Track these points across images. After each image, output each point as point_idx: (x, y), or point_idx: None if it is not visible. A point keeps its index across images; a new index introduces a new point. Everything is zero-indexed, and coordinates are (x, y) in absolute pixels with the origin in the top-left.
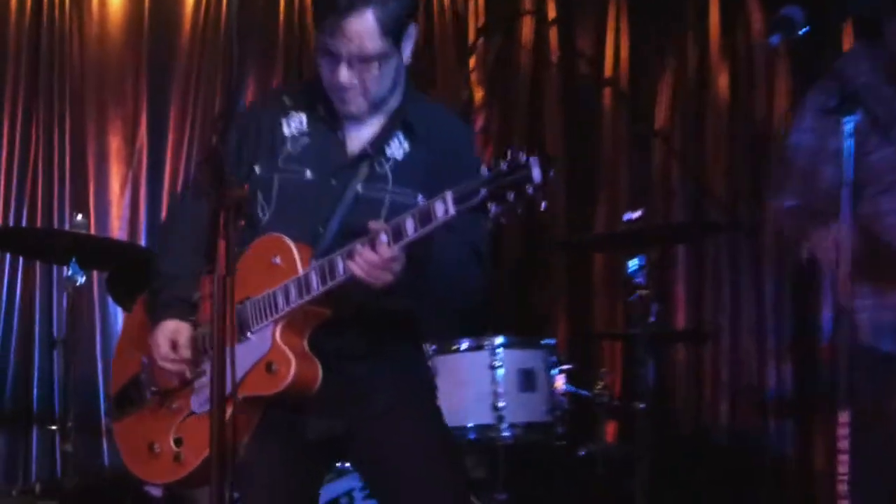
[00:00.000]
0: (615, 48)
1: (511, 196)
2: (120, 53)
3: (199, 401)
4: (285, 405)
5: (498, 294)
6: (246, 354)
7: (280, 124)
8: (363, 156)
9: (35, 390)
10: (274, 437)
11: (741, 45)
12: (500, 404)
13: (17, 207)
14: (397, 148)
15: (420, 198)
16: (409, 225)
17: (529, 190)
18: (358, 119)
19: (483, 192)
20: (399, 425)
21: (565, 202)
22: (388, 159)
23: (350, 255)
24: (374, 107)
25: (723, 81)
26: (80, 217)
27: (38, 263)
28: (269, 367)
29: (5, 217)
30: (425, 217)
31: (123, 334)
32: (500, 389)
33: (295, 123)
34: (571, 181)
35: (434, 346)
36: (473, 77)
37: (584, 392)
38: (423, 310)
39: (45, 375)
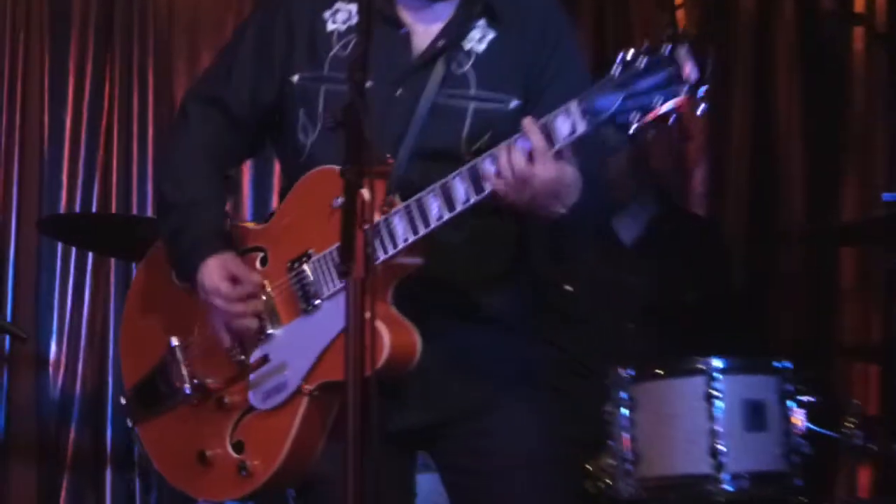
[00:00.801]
0: None
1: (658, 101)
2: None
3: (260, 393)
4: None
5: (716, 303)
6: (315, 331)
7: (322, 18)
8: (435, 53)
9: (109, 426)
10: None
11: None
12: (720, 447)
13: (86, 191)
14: (479, 39)
15: (514, 103)
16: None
17: (682, 91)
18: (423, 6)
19: (620, 98)
20: (502, 426)
21: (803, 181)
22: (468, 55)
23: (447, 192)
24: None
25: None
26: None
27: (112, 261)
28: None
29: (70, 203)
30: (546, 136)
31: (130, 311)
32: (720, 428)
33: (342, 17)
34: (810, 153)
35: (630, 370)
36: (680, 14)
37: (829, 432)
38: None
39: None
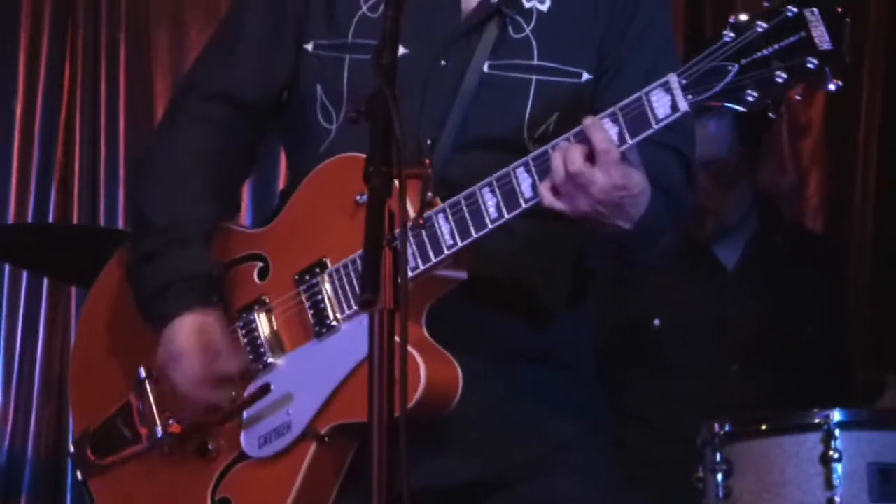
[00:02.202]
0: None
1: (781, 76)
2: None
3: (255, 437)
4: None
5: (836, 340)
6: (330, 359)
7: None
8: (488, 12)
9: (69, 495)
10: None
11: None
12: None
13: (40, 198)
14: None
15: (586, 77)
16: (609, 132)
17: (811, 63)
18: None
19: (734, 71)
20: (565, 483)
21: None
22: (528, 15)
23: (505, 186)
24: None
25: None
26: None
27: (72, 290)
28: None
29: (20, 213)
30: (637, 117)
31: (83, 336)
32: (840, 497)
33: None
34: None
35: (727, 426)
36: None
37: None
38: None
39: None
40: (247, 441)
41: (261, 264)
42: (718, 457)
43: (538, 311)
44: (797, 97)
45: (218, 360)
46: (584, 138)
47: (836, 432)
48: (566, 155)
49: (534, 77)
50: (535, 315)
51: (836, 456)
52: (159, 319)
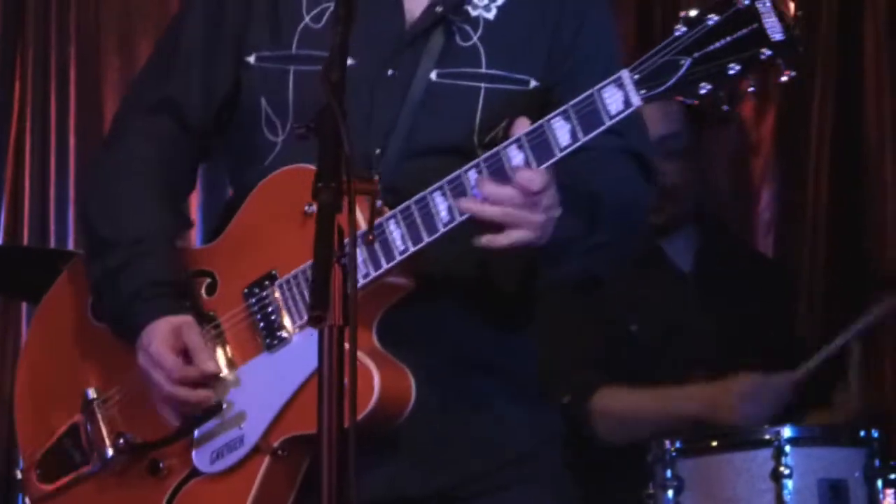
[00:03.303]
0: None
1: (734, 68)
2: None
3: (207, 453)
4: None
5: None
6: (281, 372)
7: None
8: (433, 20)
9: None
10: None
11: None
12: None
13: None
14: (486, 2)
15: (534, 83)
16: (560, 130)
17: (763, 54)
18: None
19: (686, 64)
20: (518, 498)
21: (894, 211)
22: (475, 23)
23: (457, 189)
24: None
25: None
26: None
27: (24, 306)
28: None
29: None
30: (589, 115)
31: (29, 357)
32: None
33: None
34: None
35: (678, 442)
36: None
37: None
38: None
39: None
40: (198, 457)
41: (208, 280)
42: (669, 473)
43: (489, 320)
44: (750, 88)
45: (198, 360)
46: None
47: (787, 448)
48: (490, 189)
49: (483, 85)
50: (487, 325)
51: (786, 472)
52: (133, 328)
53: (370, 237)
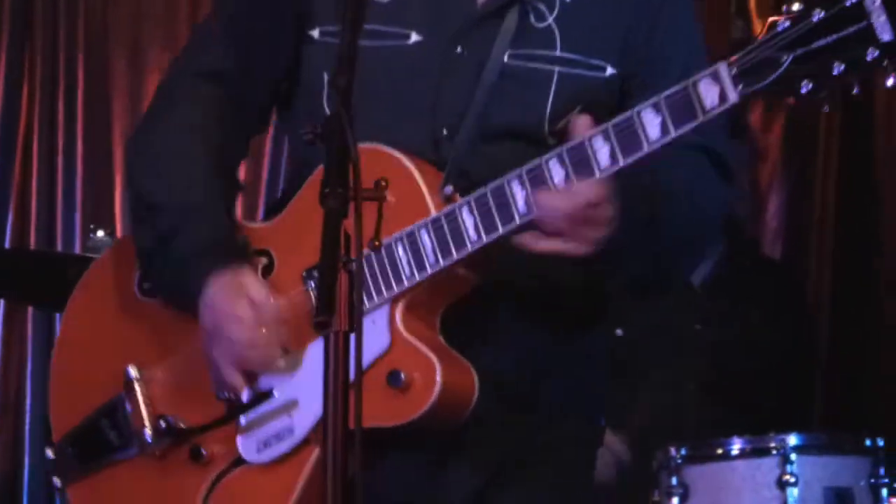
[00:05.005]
0: None
1: (837, 67)
2: None
3: (254, 441)
4: (413, 443)
5: (795, 366)
6: None
7: None
8: (505, 1)
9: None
10: None
11: None
12: None
13: None
14: None
15: (610, 71)
16: (650, 121)
17: (871, 54)
18: None
19: (787, 61)
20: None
21: None
22: (550, 3)
23: (536, 179)
24: None
25: None
26: (100, 234)
27: (30, 311)
28: (391, 377)
29: None
30: (683, 107)
31: (67, 335)
32: None
33: None
34: None
35: (683, 449)
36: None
37: None
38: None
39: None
40: (244, 445)
41: (265, 260)
42: (674, 480)
43: (558, 322)
44: (855, 90)
45: (267, 309)
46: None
47: (792, 456)
48: (546, 199)
49: (556, 69)
50: (555, 327)
51: (791, 480)
52: (192, 289)
53: (376, 243)
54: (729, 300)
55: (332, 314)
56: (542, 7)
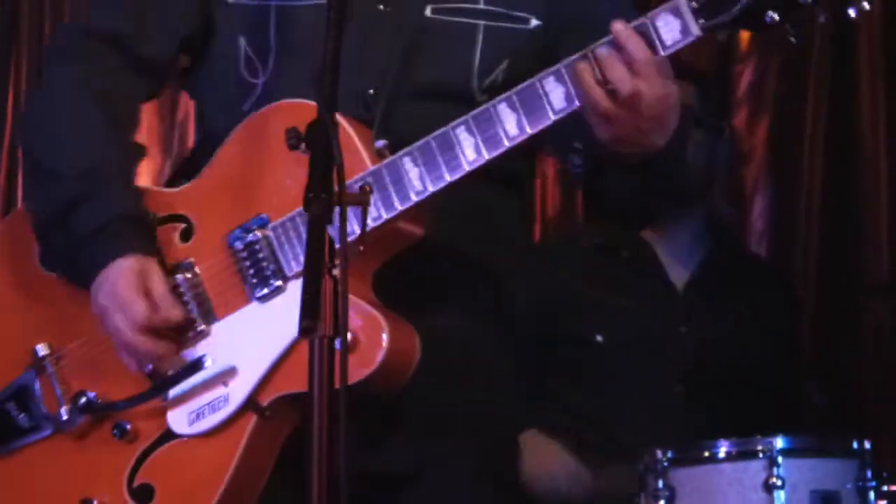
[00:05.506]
0: None
1: None
2: None
3: (184, 414)
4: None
5: (782, 367)
6: (276, 321)
7: None
8: None
9: None
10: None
11: None
12: None
13: None
14: None
15: (534, 23)
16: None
17: None
18: None
19: None
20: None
21: (887, 220)
22: None
23: (485, 123)
24: None
25: None
26: None
27: None
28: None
29: None
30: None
31: None
32: None
33: None
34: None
35: (669, 452)
36: None
37: None
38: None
39: None
40: (174, 418)
41: (183, 225)
42: (661, 483)
43: (486, 278)
44: (821, 19)
45: (162, 306)
46: (611, 49)
47: (779, 459)
48: (609, 71)
49: (481, 22)
50: (483, 282)
51: (778, 483)
52: (91, 268)
53: (360, 248)
54: (714, 299)
55: (318, 320)
56: None
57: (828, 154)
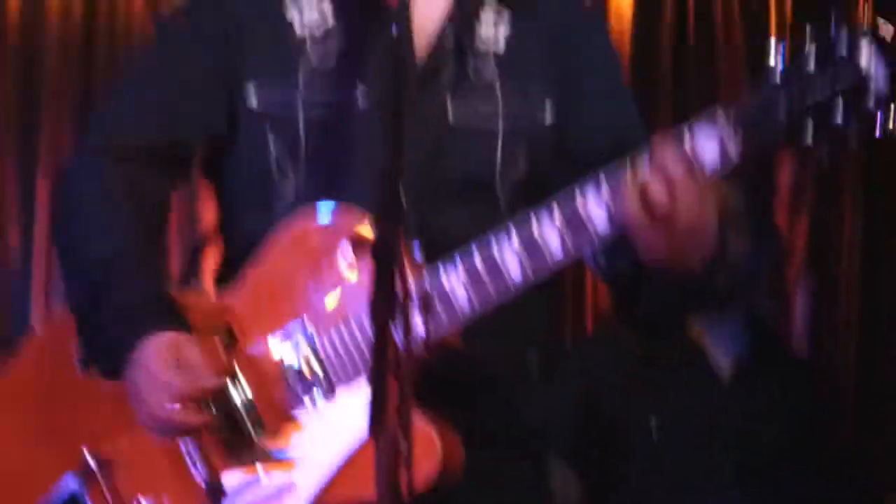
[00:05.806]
0: None
1: (839, 116)
2: None
3: None
4: None
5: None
6: (328, 433)
7: (282, 12)
8: (440, 49)
9: None
10: None
11: None
12: None
13: None
14: (492, 29)
15: (549, 118)
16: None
17: (869, 104)
18: None
19: (783, 109)
20: None
21: None
22: (484, 48)
23: (526, 235)
24: None
25: None
26: None
27: None
28: None
29: None
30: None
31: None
32: None
33: (310, 13)
34: None
35: None
36: None
37: None
38: None
39: None
40: None
41: (225, 335)
42: None
43: (513, 386)
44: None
45: (197, 377)
46: (652, 166)
47: None
48: (647, 186)
49: (501, 118)
50: (511, 392)
51: None
52: (123, 349)
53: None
54: (760, 396)
55: (384, 424)
56: (478, 51)
57: (865, 251)
